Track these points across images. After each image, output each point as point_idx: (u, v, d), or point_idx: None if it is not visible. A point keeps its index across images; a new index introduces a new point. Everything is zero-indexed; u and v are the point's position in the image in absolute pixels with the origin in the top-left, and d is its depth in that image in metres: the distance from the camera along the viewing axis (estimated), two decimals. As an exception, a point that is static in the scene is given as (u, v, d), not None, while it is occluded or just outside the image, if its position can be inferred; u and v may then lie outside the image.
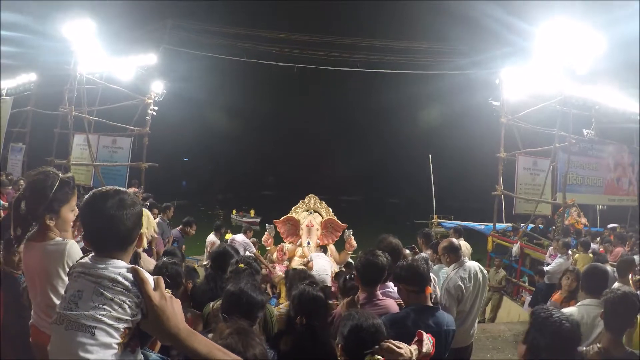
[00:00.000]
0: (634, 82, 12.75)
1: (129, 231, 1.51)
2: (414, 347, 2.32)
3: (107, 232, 1.49)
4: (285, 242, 9.06)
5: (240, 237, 9.14)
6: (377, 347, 2.20)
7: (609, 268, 5.49)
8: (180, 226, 9.24)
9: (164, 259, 3.44)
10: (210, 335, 2.47)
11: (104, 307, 1.36)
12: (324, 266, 7.42)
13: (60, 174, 2.52)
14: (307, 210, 9.50)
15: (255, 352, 1.69)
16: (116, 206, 1.48)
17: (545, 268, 8.61)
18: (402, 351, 2.20)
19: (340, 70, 17.62)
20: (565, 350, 2.12)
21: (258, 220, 30.07)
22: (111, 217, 1.47)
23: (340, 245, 9.18)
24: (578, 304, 3.64)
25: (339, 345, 2.35)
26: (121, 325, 1.38)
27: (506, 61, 13.31)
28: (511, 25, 12.95)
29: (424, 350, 2.36)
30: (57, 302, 2.21)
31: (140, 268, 1.48)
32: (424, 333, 2.44)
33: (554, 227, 12.58)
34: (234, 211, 33.76)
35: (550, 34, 10.58)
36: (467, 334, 4.42)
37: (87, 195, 1.57)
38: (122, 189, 1.58)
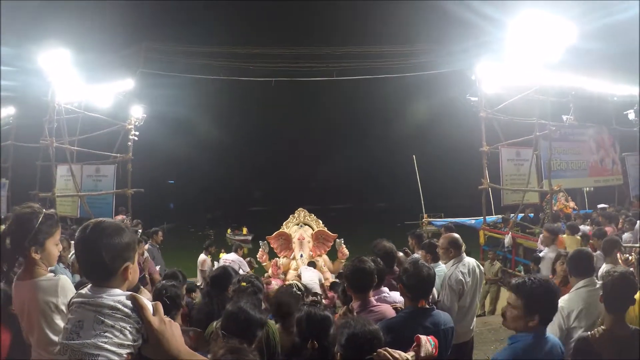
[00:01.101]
0: (609, 67, 13.07)
1: (110, 261, 1.50)
2: (411, 354, 2.32)
3: (88, 261, 1.53)
4: (279, 257, 9.31)
5: (232, 256, 9.13)
6: (374, 354, 2.20)
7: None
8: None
9: (163, 282, 3.44)
10: (209, 356, 2.48)
11: (106, 334, 1.38)
12: (312, 277, 7.96)
13: (44, 209, 2.54)
14: (298, 224, 9.80)
15: None
16: (95, 237, 1.50)
17: (540, 255, 8.70)
18: (397, 358, 2.20)
19: (318, 81, 17.72)
20: (554, 302, 2.61)
21: (250, 237, 30.09)
22: (90, 247, 1.50)
23: (333, 254, 9.45)
24: (573, 289, 3.71)
25: (338, 354, 2.35)
26: (123, 351, 1.40)
27: (480, 55, 13.46)
28: (485, 17, 13.12)
29: (422, 354, 2.35)
30: (54, 337, 2.23)
31: (138, 295, 1.50)
32: (422, 337, 2.43)
33: (543, 213, 12.73)
34: (229, 230, 33.64)
35: (522, 24, 10.72)
36: (468, 329, 4.46)
37: None
38: (108, 220, 1.59)
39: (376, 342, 2.28)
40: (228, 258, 9.08)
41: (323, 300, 6.75)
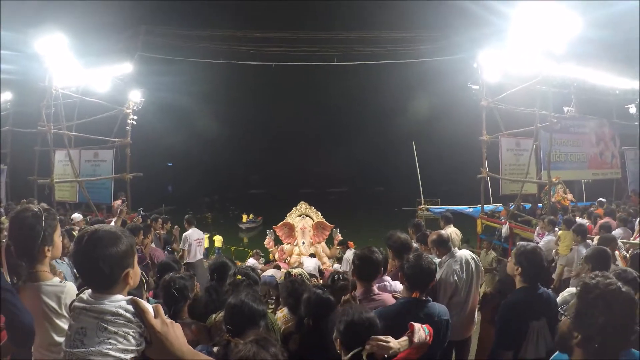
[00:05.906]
0: (611, 59, 12.99)
1: (110, 271, 1.49)
2: (403, 339, 2.42)
3: (88, 272, 1.52)
4: (284, 244, 10.62)
5: (251, 261, 9.78)
6: (367, 344, 2.31)
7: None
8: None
9: (172, 274, 3.46)
10: (215, 348, 2.53)
11: (110, 341, 1.39)
12: (311, 265, 9.07)
13: (39, 206, 2.58)
14: (300, 215, 11.02)
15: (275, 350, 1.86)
16: (91, 249, 1.49)
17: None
18: (390, 345, 2.31)
19: (318, 65, 17.58)
20: None
21: (244, 227, 30.26)
22: (88, 259, 1.50)
23: (330, 241, 10.67)
24: None
25: (337, 340, 2.45)
26: (128, 357, 1.40)
27: (483, 44, 13.36)
28: (487, 6, 12.98)
29: (415, 340, 2.44)
30: (58, 338, 2.26)
31: (139, 298, 1.51)
32: (416, 324, 2.53)
33: (541, 204, 12.74)
34: (245, 217, 33.66)
35: (526, 14, 10.64)
36: (469, 324, 4.36)
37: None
38: (103, 228, 1.55)
39: (372, 329, 2.39)
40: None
41: (320, 281, 7.35)
